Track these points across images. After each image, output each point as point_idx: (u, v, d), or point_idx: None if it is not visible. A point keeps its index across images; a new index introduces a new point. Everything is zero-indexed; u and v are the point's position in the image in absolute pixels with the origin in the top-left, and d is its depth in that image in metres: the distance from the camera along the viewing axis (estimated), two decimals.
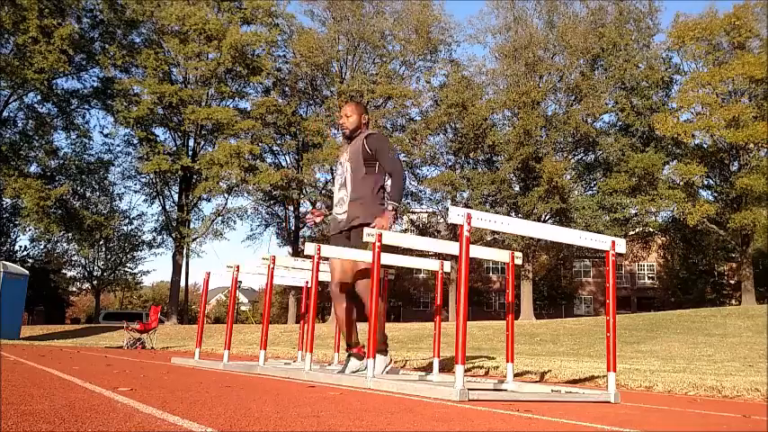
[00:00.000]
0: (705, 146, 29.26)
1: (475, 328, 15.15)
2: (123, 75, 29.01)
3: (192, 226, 29.79)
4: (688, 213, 26.71)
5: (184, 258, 30.35)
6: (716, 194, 29.94)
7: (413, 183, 33.09)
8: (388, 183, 4.18)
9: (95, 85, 28.80)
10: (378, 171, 4.10)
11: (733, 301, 35.93)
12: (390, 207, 3.95)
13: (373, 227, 3.65)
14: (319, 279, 4.24)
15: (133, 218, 33.14)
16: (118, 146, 30.80)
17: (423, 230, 34.69)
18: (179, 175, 29.49)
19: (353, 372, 3.97)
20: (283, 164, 32.29)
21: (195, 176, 29.46)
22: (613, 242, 3.05)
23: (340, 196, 4.17)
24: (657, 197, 28.12)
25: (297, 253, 29.90)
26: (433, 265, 4.48)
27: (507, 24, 31.96)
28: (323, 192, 32.22)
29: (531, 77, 30.44)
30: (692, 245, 34.16)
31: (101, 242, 33.92)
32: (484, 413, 2.11)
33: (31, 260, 32.57)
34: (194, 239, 29.95)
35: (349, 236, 4.05)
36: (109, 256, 36.90)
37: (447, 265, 4.45)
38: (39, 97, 27.39)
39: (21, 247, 32.90)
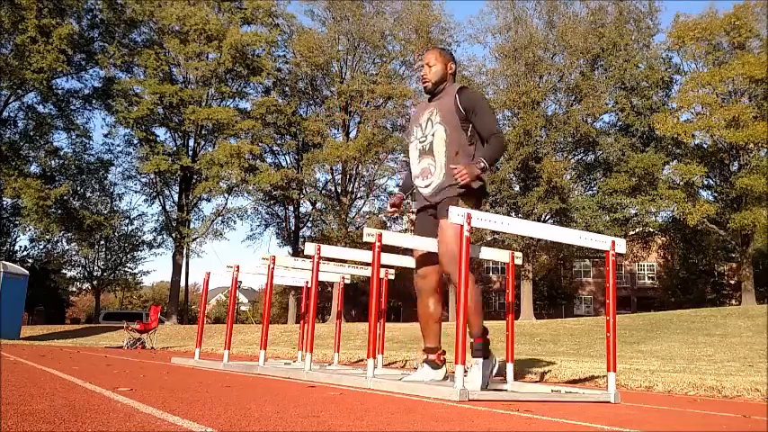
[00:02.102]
0: (705, 146, 29.25)
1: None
2: (123, 75, 29.05)
3: (192, 226, 29.80)
4: (688, 213, 26.70)
5: (184, 258, 30.35)
6: (716, 194, 29.93)
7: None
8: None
9: (95, 85, 28.84)
10: (471, 134, 3.37)
11: (733, 301, 35.93)
12: (482, 163, 3.22)
13: (455, 171, 3.14)
14: (319, 279, 4.23)
15: (133, 218, 33.17)
16: (118, 146, 30.86)
17: None
18: (179, 176, 29.50)
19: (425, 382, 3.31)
20: (283, 164, 32.30)
21: (195, 176, 29.47)
22: (613, 242, 3.05)
23: (424, 166, 3.43)
24: (657, 197, 28.11)
25: (297, 253, 29.89)
26: None
27: (507, 24, 31.95)
28: (323, 192, 32.23)
29: (531, 77, 30.43)
30: (692, 245, 34.15)
31: (101, 242, 33.93)
32: (484, 413, 2.11)
33: (31, 260, 32.56)
34: (194, 239, 29.95)
35: (435, 213, 3.41)
36: (109, 256, 36.89)
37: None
38: (38, 97, 27.40)
39: (21, 247, 32.91)
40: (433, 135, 3.37)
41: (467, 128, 3.33)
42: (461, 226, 2.73)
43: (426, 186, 3.41)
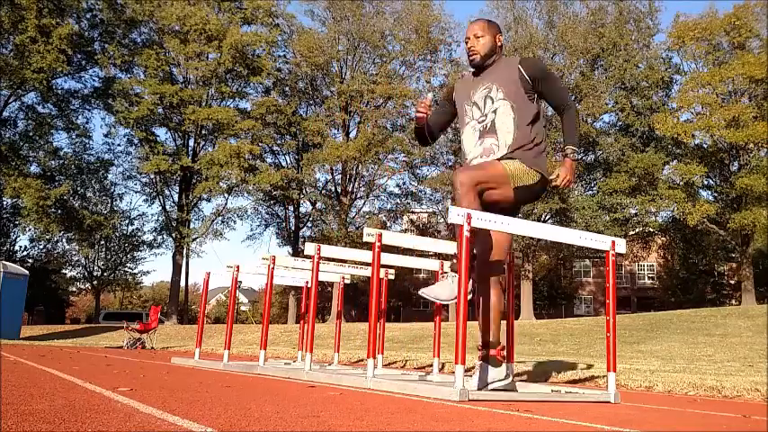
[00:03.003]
0: (705, 146, 29.26)
1: (475, 328, 15.13)
2: (123, 75, 29.06)
3: (192, 226, 29.80)
4: (688, 213, 26.70)
5: (184, 258, 30.36)
6: (716, 194, 29.94)
7: (413, 183, 33.12)
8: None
9: (96, 85, 28.85)
10: (536, 108, 3.10)
11: (733, 301, 35.93)
12: (570, 152, 3.03)
13: (553, 181, 2.98)
14: (319, 279, 4.23)
15: (133, 218, 33.18)
16: (118, 146, 30.89)
17: (423, 230, 34.70)
18: (179, 176, 29.51)
19: (491, 386, 2.97)
20: (283, 164, 32.31)
21: (195, 176, 29.48)
22: (613, 242, 3.05)
23: (486, 146, 3.09)
24: (657, 197, 28.12)
25: (297, 253, 29.90)
26: (433, 265, 4.48)
27: (507, 24, 31.95)
28: (323, 192, 32.23)
29: None
30: (692, 245, 34.15)
31: (101, 242, 33.94)
32: (484, 413, 2.11)
33: (31, 260, 32.57)
34: (194, 239, 29.96)
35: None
36: (109, 256, 36.91)
37: (447, 265, 4.45)
38: (38, 97, 27.42)
39: (21, 247, 32.93)
40: (494, 113, 3.08)
41: (533, 99, 3.08)
42: (461, 226, 2.72)
43: None
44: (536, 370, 5.09)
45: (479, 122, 3.13)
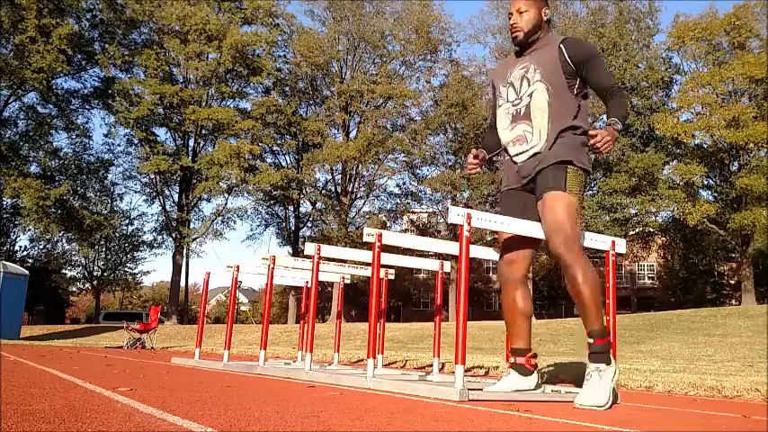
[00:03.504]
0: (705, 146, 29.26)
1: (475, 328, 15.15)
2: (123, 75, 29.07)
3: (192, 226, 29.81)
4: (688, 213, 26.70)
5: (184, 258, 30.37)
6: (716, 194, 29.94)
7: (413, 183, 33.12)
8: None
9: (96, 85, 28.85)
10: (578, 92, 2.84)
11: (733, 301, 35.92)
12: (613, 123, 2.73)
13: (592, 140, 2.67)
14: (319, 279, 4.23)
15: (133, 218, 33.19)
16: (118, 146, 30.89)
17: (423, 230, 34.69)
18: (179, 176, 29.52)
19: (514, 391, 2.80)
20: (283, 164, 32.31)
21: (195, 176, 29.49)
22: (613, 242, 3.05)
23: (518, 132, 2.86)
24: (657, 197, 28.12)
25: (297, 253, 29.90)
26: (433, 265, 4.48)
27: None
28: (323, 192, 32.23)
29: None
30: (692, 245, 34.15)
31: (101, 242, 33.95)
32: (484, 413, 2.11)
33: (31, 260, 32.57)
34: (194, 239, 29.96)
35: (532, 186, 2.84)
36: (109, 256, 36.91)
37: (447, 265, 4.45)
38: (39, 97, 27.43)
39: (21, 247, 32.94)
40: (530, 96, 2.82)
41: (573, 85, 2.80)
42: (461, 226, 2.72)
43: (520, 153, 2.84)
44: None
45: (513, 105, 2.88)
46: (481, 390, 2.75)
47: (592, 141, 2.67)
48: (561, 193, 2.68)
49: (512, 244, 2.92)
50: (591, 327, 2.65)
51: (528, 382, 2.83)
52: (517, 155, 2.86)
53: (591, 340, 2.64)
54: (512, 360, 2.88)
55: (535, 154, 2.79)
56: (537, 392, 2.88)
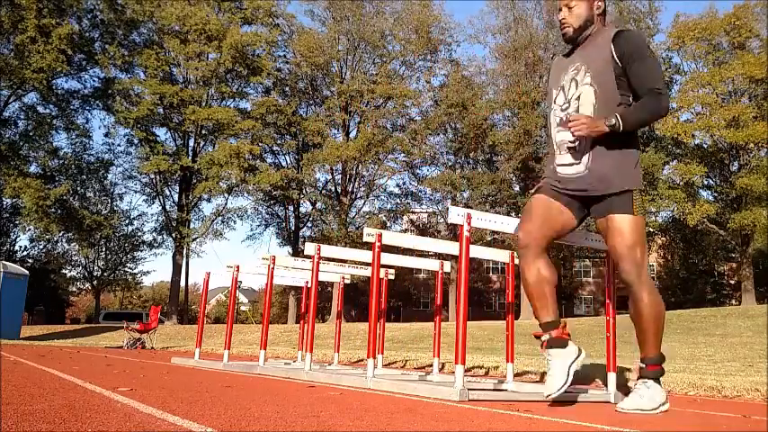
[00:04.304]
0: (705, 146, 29.26)
1: (475, 328, 15.16)
2: (124, 75, 29.08)
3: (192, 226, 29.81)
4: (688, 213, 26.71)
5: (184, 258, 30.37)
6: (716, 194, 29.94)
7: (413, 183, 33.13)
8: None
9: (96, 85, 28.86)
10: (628, 98, 2.55)
11: (733, 301, 35.93)
12: (611, 117, 2.47)
13: (570, 122, 2.48)
14: (319, 279, 4.23)
15: (133, 218, 33.20)
16: (119, 146, 30.90)
17: (423, 230, 34.69)
18: (179, 176, 29.52)
19: (574, 368, 2.55)
20: (283, 164, 32.32)
21: (195, 176, 29.49)
22: None
23: (562, 139, 2.64)
24: (657, 197, 28.12)
25: (297, 253, 29.90)
26: (433, 265, 4.48)
27: (507, 24, 31.96)
28: (323, 192, 32.24)
29: (531, 77, 30.45)
30: (692, 245, 34.16)
31: (101, 242, 33.95)
32: (484, 413, 2.11)
33: (31, 260, 32.58)
34: (194, 239, 29.97)
35: (578, 195, 2.62)
36: (109, 256, 36.92)
37: (447, 265, 4.45)
38: (39, 97, 27.44)
39: (21, 247, 32.96)
40: (578, 99, 2.58)
41: (625, 85, 2.54)
42: (461, 226, 2.72)
43: (570, 168, 2.60)
44: (536, 370, 5.09)
45: (562, 110, 2.65)
46: (482, 390, 2.75)
47: (569, 123, 2.50)
48: (630, 217, 2.54)
49: (532, 218, 2.66)
50: (646, 353, 2.59)
51: (571, 351, 2.55)
52: (564, 167, 2.63)
53: (643, 365, 2.58)
54: (545, 337, 2.56)
55: (585, 172, 2.57)
56: (539, 392, 2.88)
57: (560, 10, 2.73)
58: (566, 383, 2.46)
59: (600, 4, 2.68)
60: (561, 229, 2.69)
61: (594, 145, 2.53)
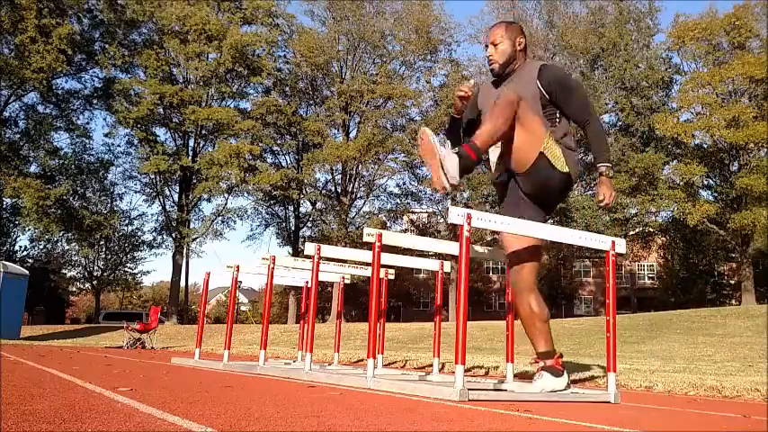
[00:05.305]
0: (705, 146, 29.27)
1: (475, 328, 15.15)
2: (124, 75, 29.09)
3: (192, 226, 29.81)
4: (688, 213, 26.71)
5: (184, 258, 30.37)
6: (716, 194, 29.94)
7: (413, 183, 33.12)
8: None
9: (96, 85, 28.86)
10: (560, 122, 2.90)
11: (733, 301, 35.90)
12: (605, 170, 2.94)
13: (600, 200, 2.97)
14: (319, 279, 4.22)
15: (133, 218, 33.19)
16: (119, 146, 30.90)
17: (423, 230, 34.69)
18: (179, 176, 29.52)
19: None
20: (283, 164, 32.32)
21: (195, 176, 29.50)
22: (613, 242, 3.05)
23: (493, 159, 3.03)
24: (657, 197, 28.13)
25: (297, 253, 29.90)
26: (433, 265, 4.48)
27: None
28: (323, 192, 32.23)
29: None
30: (692, 245, 34.14)
31: (101, 242, 33.95)
32: (484, 413, 2.11)
33: (31, 260, 32.57)
34: (194, 239, 29.97)
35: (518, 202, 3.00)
36: (109, 256, 36.90)
37: (447, 265, 4.44)
38: (39, 97, 27.46)
39: (21, 247, 32.93)
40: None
41: (552, 114, 2.87)
42: (461, 226, 2.72)
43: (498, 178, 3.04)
44: (536, 370, 5.08)
45: None
46: (482, 390, 2.75)
47: (602, 204, 2.98)
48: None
49: (518, 251, 2.97)
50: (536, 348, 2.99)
51: (561, 382, 2.87)
52: (502, 180, 3.03)
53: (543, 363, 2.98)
54: (541, 364, 2.93)
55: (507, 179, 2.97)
56: (548, 393, 2.88)
57: (487, 47, 3.02)
58: (536, 395, 2.79)
59: (521, 41, 3.00)
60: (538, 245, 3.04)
61: (509, 162, 2.90)
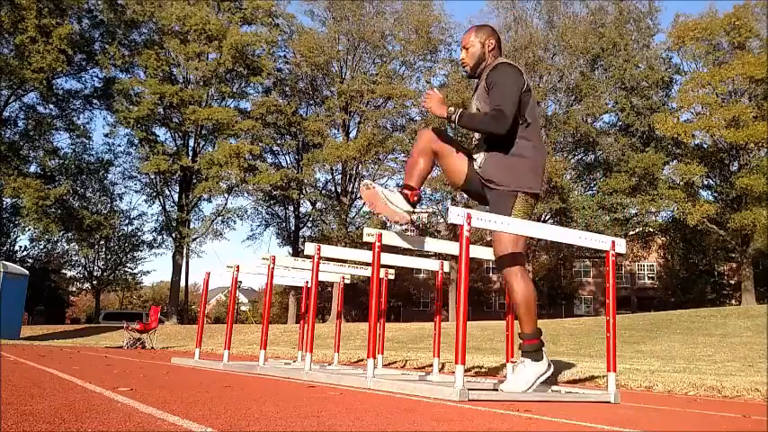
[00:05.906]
0: (705, 146, 29.27)
1: (475, 328, 15.15)
2: (124, 75, 29.10)
3: (192, 226, 29.81)
4: (688, 213, 26.71)
5: (184, 258, 30.37)
6: (716, 194, 29.94)
7: None
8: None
9: (96, 85, 28.87)
10: (531, 124, 3.07)
11: (733, 301, 35.90)
12: (453, 109, 3.00)
13: (427, 95, 3.08)
14: (319, 279, 4.22)
15: (133, 218, 33.19)
16: (119, 146, 30.92)
17: (423, 230, 34.68)
18: (179, 176, 29.53)
19: (537, 382, 2.90)
20: (283, 164, 32.33)
21: (195, 176, 29.50)
22: (613, 242, 3.05)
23: (477, 139, 3.16)
24: (657, 197, 28.12)
25: (297, 253, 29.90)
26: (433, 265, 4.48)
27: (507, 24, 31.96)
28: (323, 192, 32.23)
29: (531, 77, 30.46)
30: (692, 245, 34.13)
31: (101, 242, 33.95)
32: (484, 413, 2.11)
33: (31, 260, 32.57)
34: (194, 239, 29.97)
35: (482, 188, 3.08)
36: (109, 256, 36.90)
37: (447, 265, 4.44)
38: (39, 97, 27.46)
39: (21, 247, 32.94)
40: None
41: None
42: (461, 226, 2.72)
43: (478, 159, 3.11)
44: None
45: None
46: (482, 390, 2.75)
47: (424, 94, 3.13)
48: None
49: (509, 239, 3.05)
50: (522, 329, 2.99)
51: (542, 366, 2.92)
52: (476, 157, 3.12)
53: (521, 341, 2.97)
54: (521, 342, 2.97)
55: (482, 166, 3.06)
56: (539, 393, 2.88)
57: (461, 50, 3.19)
58: (526, 391, 2.82)
59: (491, 42, 3.14)
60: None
61: (488, 146, 3.03)
